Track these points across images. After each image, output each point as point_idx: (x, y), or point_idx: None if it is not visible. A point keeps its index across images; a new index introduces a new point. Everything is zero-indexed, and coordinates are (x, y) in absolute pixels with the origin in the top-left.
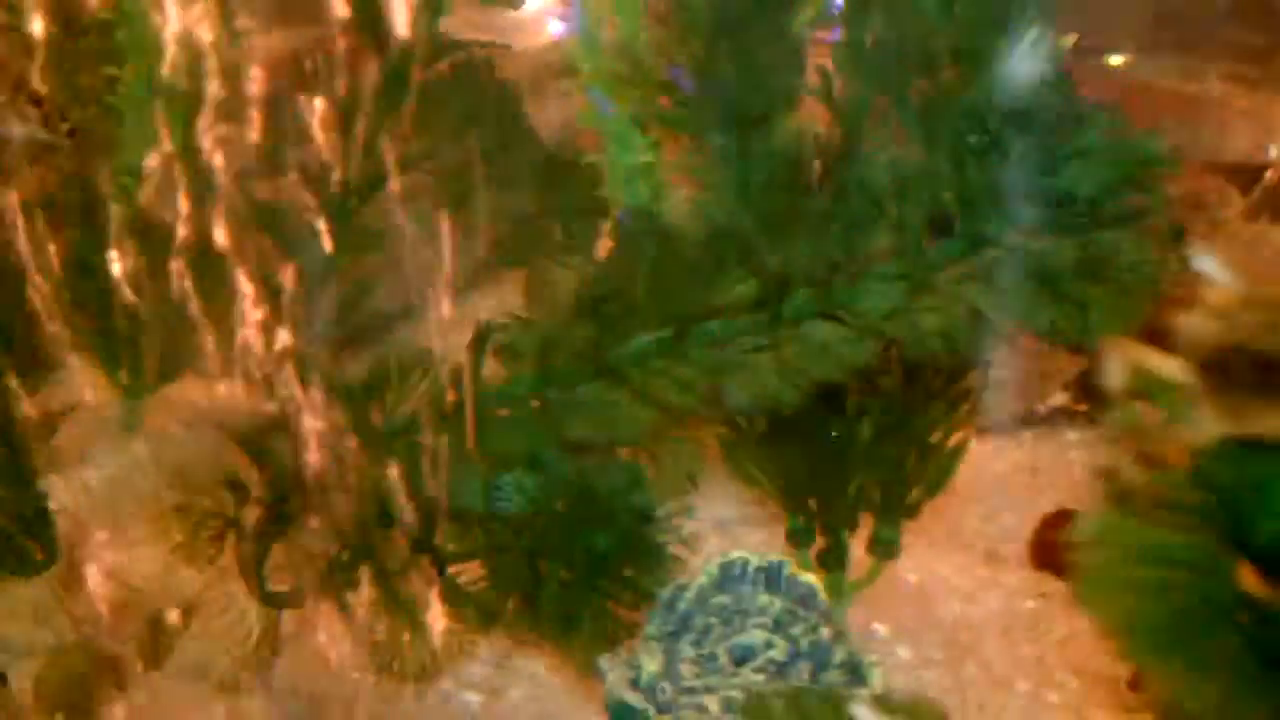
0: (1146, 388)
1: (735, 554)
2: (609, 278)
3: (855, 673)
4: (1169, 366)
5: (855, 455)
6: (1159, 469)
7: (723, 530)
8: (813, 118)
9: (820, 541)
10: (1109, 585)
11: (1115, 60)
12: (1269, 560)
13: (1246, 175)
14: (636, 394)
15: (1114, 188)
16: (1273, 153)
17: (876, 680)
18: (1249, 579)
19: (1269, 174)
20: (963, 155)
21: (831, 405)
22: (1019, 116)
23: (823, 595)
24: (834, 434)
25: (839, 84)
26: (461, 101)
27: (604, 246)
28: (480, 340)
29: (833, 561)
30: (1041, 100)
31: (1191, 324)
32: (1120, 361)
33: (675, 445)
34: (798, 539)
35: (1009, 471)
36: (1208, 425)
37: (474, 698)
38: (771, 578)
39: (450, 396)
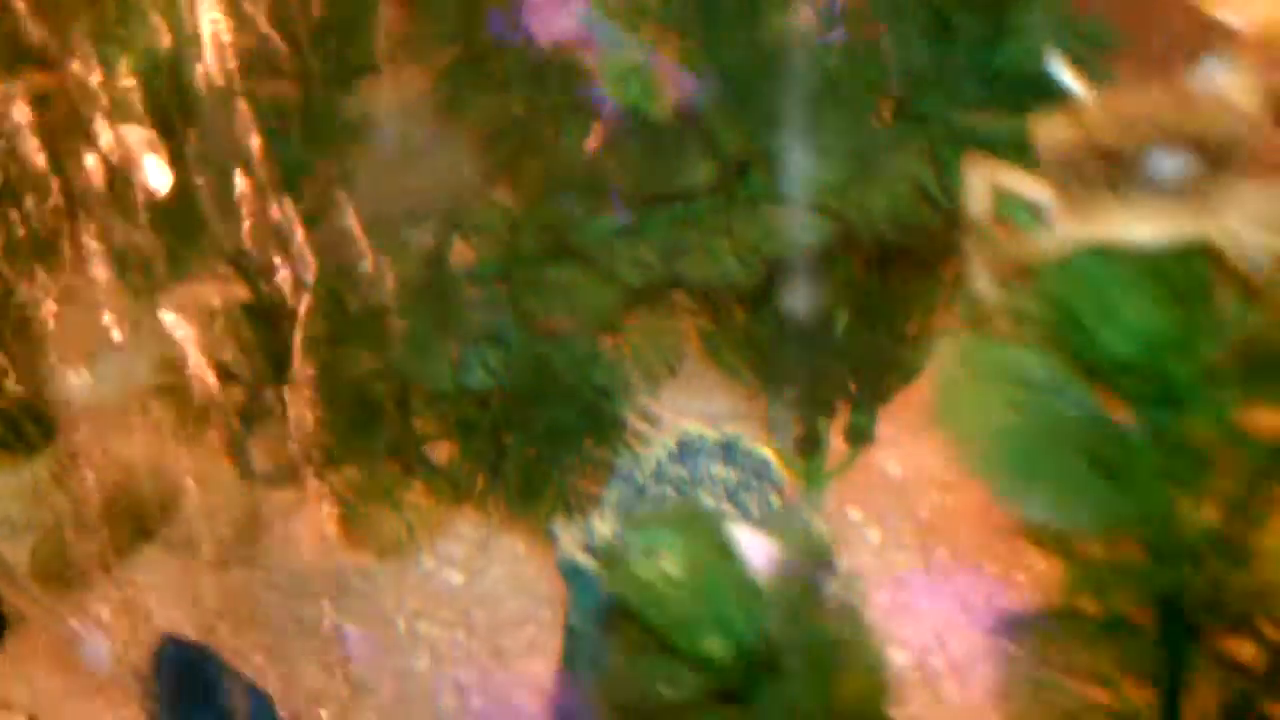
0: (1007, 205)
1: (693, 428)
2: (585, 166)
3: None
4: (1027, 181)
5: (831, 344)
6: (1014, 286)
7: (705, 422)
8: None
9: (798, 429)
10: (962, 405)
11: None
12: (1116, 371)
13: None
14: (599, 274)
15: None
16: None
17: (819, 546)
18: (1097, 394)
19: None
20: (910, 36)
21: (808, 295)
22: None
23: (776, 468)
24: (810, 323)
25: None
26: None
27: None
28: (450, 221)
29: (809, 448)
30: None
31: (1048, 127)
32: (980, 181)
33: (654, 332)
34: (776, 426)
35: None
36: (1060, 233)
37: (455, 576)
38: (727, 450)
39: (423, 278)
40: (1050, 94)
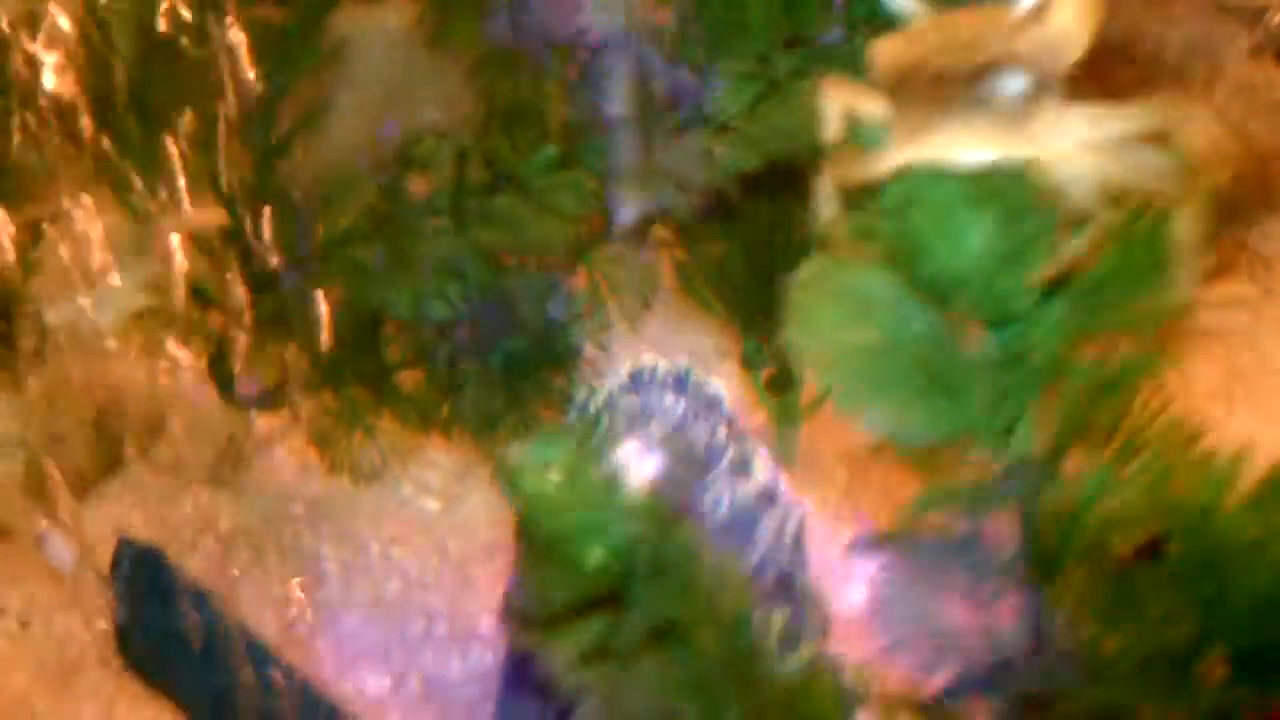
0: (854, 127)
1: (647, 360)
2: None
3: (744, 467)
4: (871, 101)
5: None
6: (860, 208)
7: (697, 362)
8: None
9: (772, 367)
10: (814, 322)
11: None
12: (954, 291)
13: (1252, 15)
14: (539, 205)
15: None
16: None
17: (760, 472)
18: (937, 312)
19: (1272, 15)
20: None
21: (787, 233)
22: None
23: (727, 400)
24: (783, 258)
25: None
26: None
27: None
28: (404, 154)
29: (782, 385)
30: None
31: (881, 48)
32: (832, 105)
33: (625, 264)
34: (751, 363)
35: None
36: (894, 150)
37: (433, 504)
38: (679, 383)
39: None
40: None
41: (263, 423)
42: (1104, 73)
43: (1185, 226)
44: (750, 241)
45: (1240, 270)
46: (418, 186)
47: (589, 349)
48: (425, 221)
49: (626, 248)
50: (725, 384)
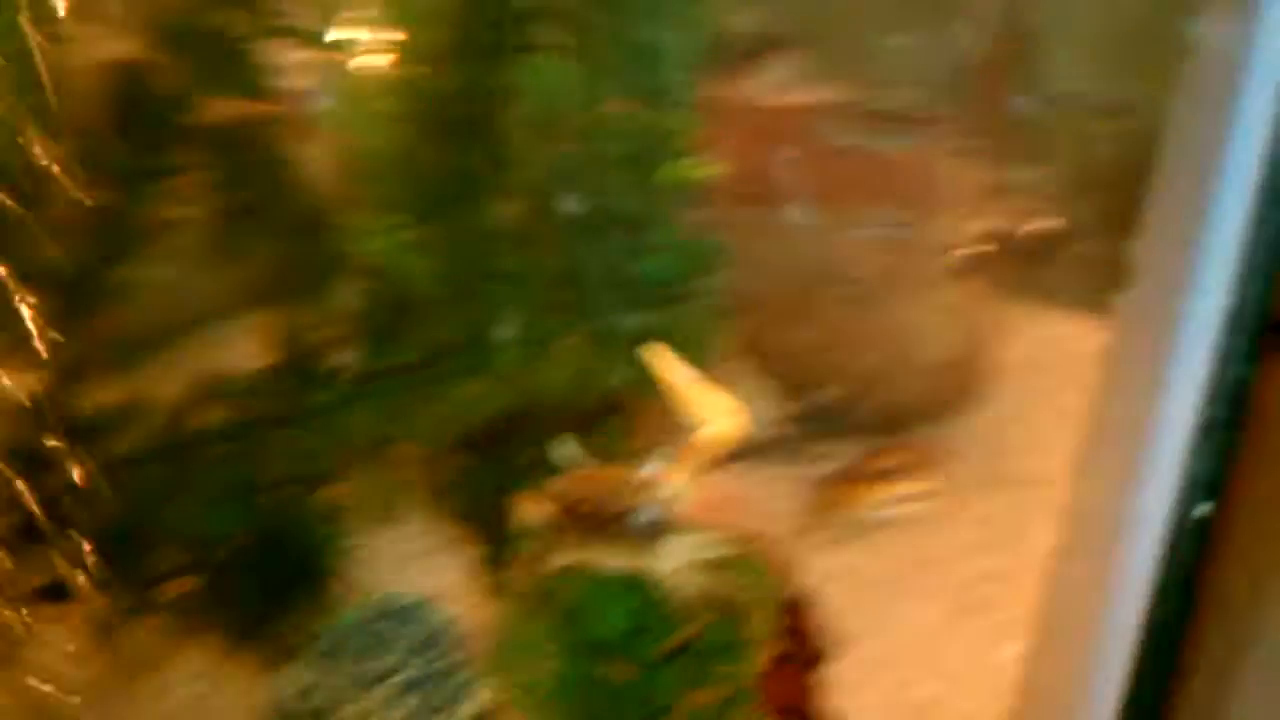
0: (535, 528)
1: (388, 591)
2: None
3: (456, 697)
4: (544, 513)
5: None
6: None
7: (431, 554)
8: None
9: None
10: (507, 660)
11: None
12: (604, 649)
13: (949, 247)
14: (328, 436)
15: (682, 276)
16: (974, 227)
17: (467, 705)
18: (594, 663)
19: (965, 246)
20: (575, 246)
21: (513, 448)
22: (615, 216)
23: (456, 631)
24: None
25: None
26: (231, 152)
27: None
28: (197, 389)
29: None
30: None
31: (556, 484)
32: (522, 510)
33: (378, 479)
34: (489, 564)
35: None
36: (565, 552)
37: (198, 688)
38: (415, 612)
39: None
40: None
41: (45, 613)
42: (818, 294)
43: (758, 621)
44: (485, 463)
45: (918, 469)
46: (213, 415)
47: (346, 573)
48: (208, 446)
49: (379, 469)
50: (455, 609)
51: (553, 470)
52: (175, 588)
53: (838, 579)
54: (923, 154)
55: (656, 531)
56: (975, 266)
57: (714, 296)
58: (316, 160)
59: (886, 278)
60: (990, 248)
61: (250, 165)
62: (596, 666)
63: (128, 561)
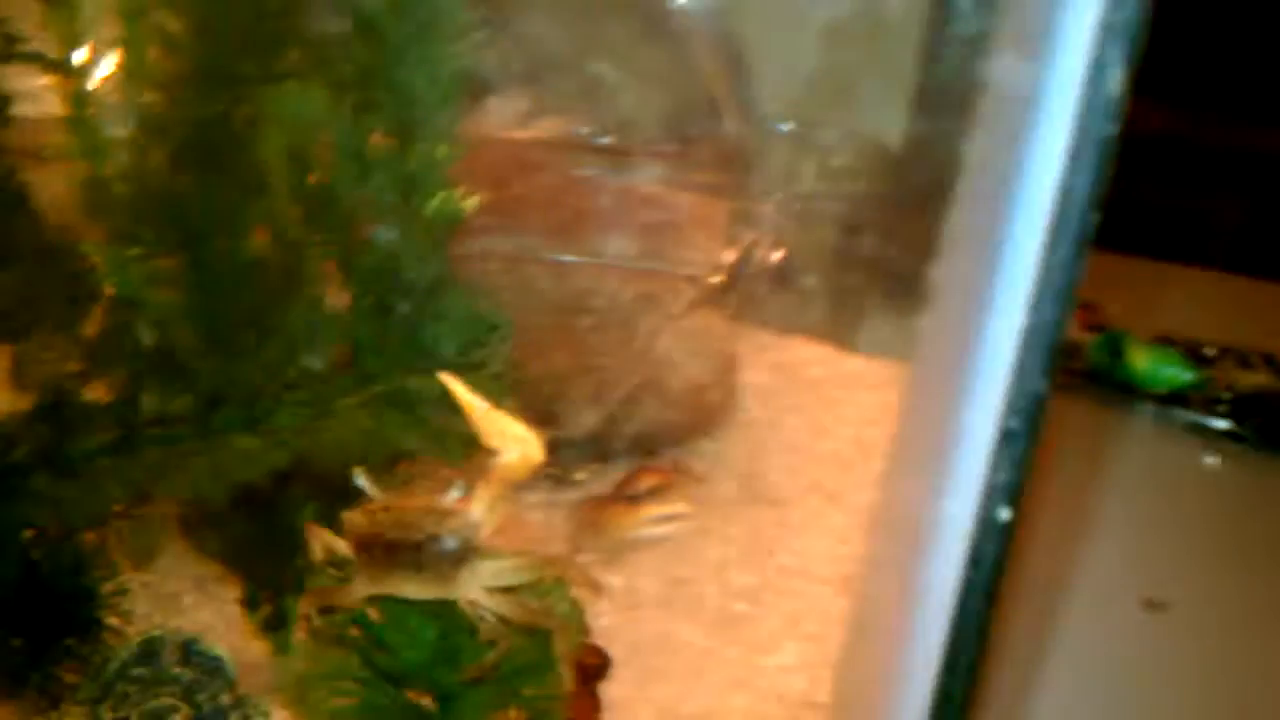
0: (331, 559)
1: (153, 631)
2: (82, 364)
3: None
4: (339, 544)
5: (296, 533)
6: (339, 613)
7: (200, 587)
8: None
9: (268, 605)
10: (309, 692)
11: (588, 163)
12: (409, 677)
13: (697, 276)
14: (87, 487)
15: (468, 345)
16: (717, 257)
17: None
18: (401, 691)
19: (708, 274)
20: (360, 311)
21: (277, 494)
22: (402, 285)
23: (230, 666)
24: (277, 516)
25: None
26: None
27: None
28: None
29: (278, 623)
30: (417, 273)
31: (351, 517)
32: (314, 541)
33: (136, 523)
34: (249, 604)
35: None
36: (363, 586)
37: None
38: (185, 651)
39: None
40: (462, 363)
41: None
42: (568, 325)
43: (562, 642)
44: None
45: (676, 488)
46: None
47: (110, 617)
48: None
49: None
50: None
51: (328, 511)
52: None
53: (604, 598)
54: (664, 186)
55: (458, 559)
56: (716, 295)
57: (497, 365)
58: (54, 189)
59: (633, 307)
60: (729, 277)
61: None
62: (401, 695)
63: None
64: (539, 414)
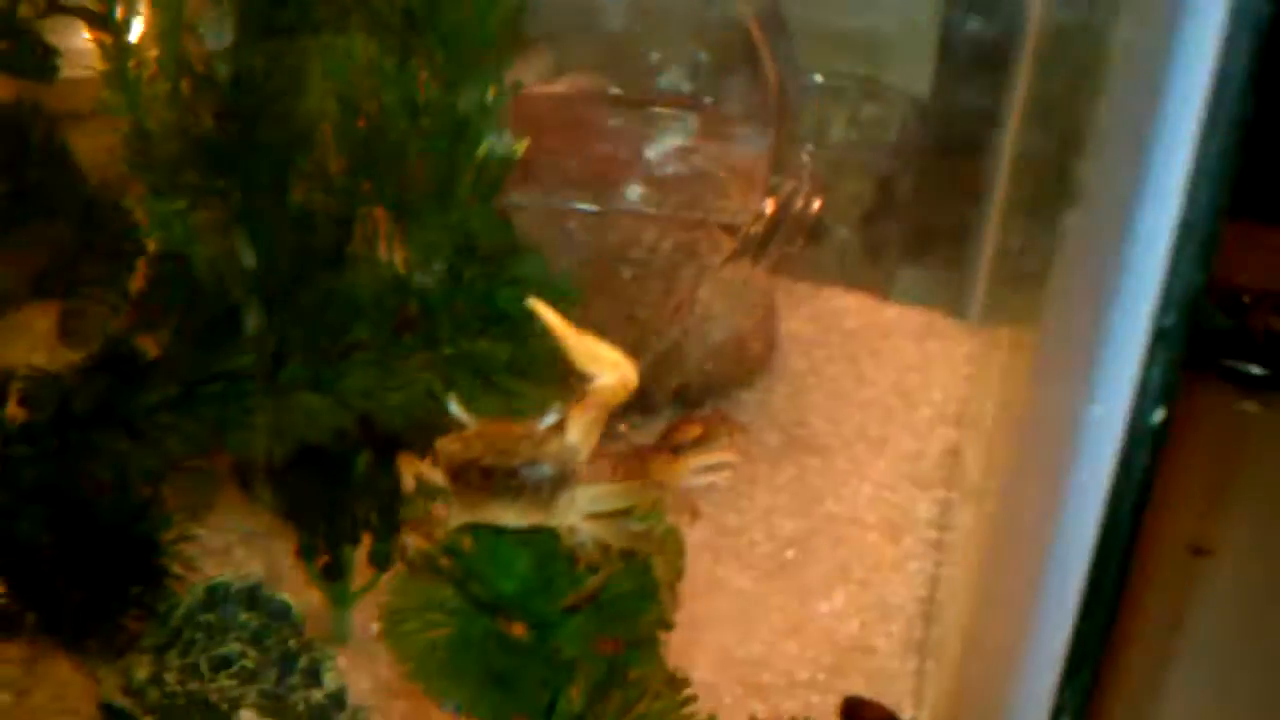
0: (424, 489)
1: (219, 577)
2: (133, 319)
3: (315, 676)
4: (433, 473)
5: (354, 484)
6: (433, 544)
7: (250, 541)
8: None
9: (325, 556)
10: (401, 624)
11: (625, 114)
12: (504, 606)
13: (735, 226)
14: (149, 442)
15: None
16: (755, 206)
17: (330, 681)
18: (494, 621)
19: (747, 225)
20: (426, 276)
21: (333, 443)
22: (470, 252)
23: (296, 611)
24: (334, 467)
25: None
26: (6, 136)
27: (138, 285)
28: (1, 389)
29: (335, 573)
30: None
31: (445, 444)
32: (406, 471)
33: (192, 476)
34: (305, 553)
35: None
36: (457, 514)
37: (3, 697)
38: (250, 597)
39: None
40: (532, 328)
41: None
42: (608, 273)
43: (661, 569)
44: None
45: (722, 438)
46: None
47: (173, 565)
48: (19, 446)
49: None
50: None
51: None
52: None
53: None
54: (700, 137)
55: (555, 485)
56: (756, 245)
57: None
58: (93, 146)
59: (673, 258)
60: (768, 227)
61: (28, 149)
62: (495, 625)
63: None
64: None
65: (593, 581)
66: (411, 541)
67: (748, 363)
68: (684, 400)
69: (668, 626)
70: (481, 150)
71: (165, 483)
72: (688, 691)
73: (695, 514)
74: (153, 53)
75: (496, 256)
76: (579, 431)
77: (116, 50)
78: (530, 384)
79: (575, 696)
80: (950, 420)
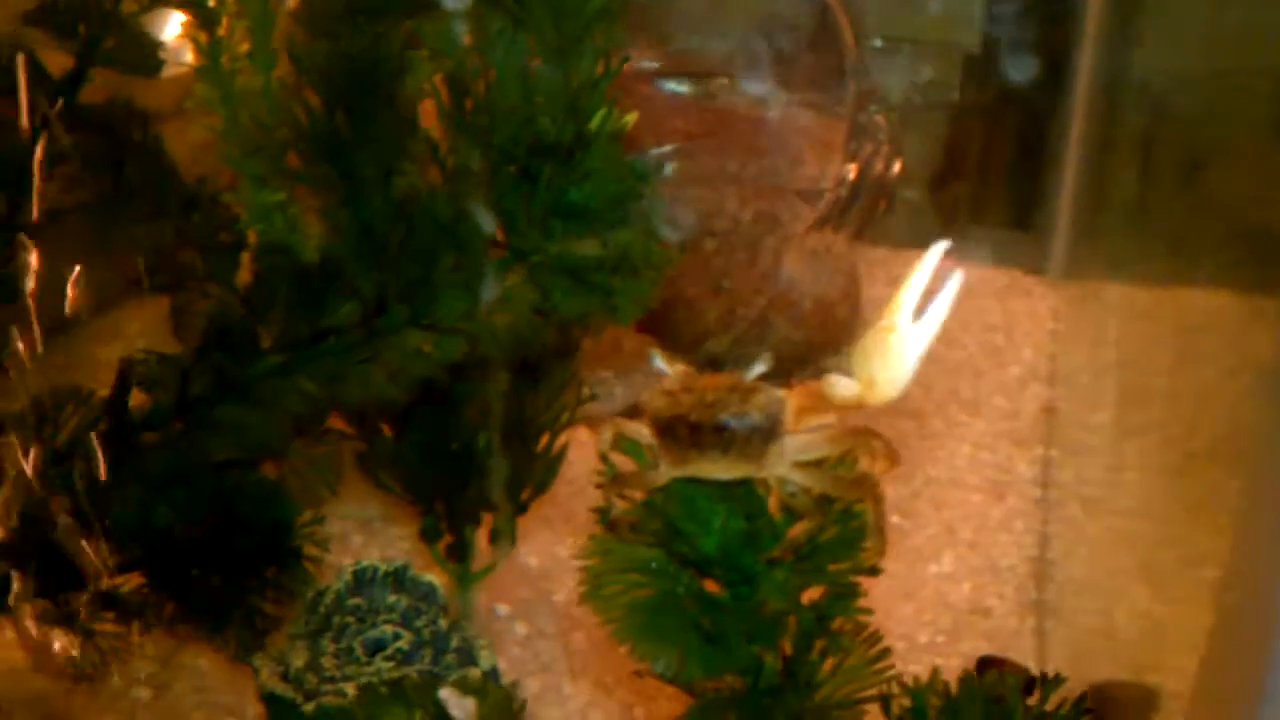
0: (625, 447)
1: (366, 561)
2: (241, 305)
3: (468, 655)
4: (638, 430)
5: (473, 463)
6: (635, 503)
7: (367, 528)
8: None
9: (448, 537)
10: (603, 586)
11: (695, 86)
12: (708, 563)
13: (815, 194)
14: (265, 409)
15: (618, 199)
16: (835, 173)
17: (484, 659)
18: (697, 579)
19: (828, 192)
20: (505, 184)
21: (451, 420)
22: (542, 149)
23: (441, 591)
24: (454, 445)
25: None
26: (105, 135)
27: (243, 278)
28: (124, 375)
29: (459, 554)
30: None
31: (651, 400)
32: (606, 430)
33: (314, 458)
34: (428, 536)
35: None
36: (663, 471)
37: (143, 693)
38: (397, 579)
39: (103, 425)
40: (620, 222)
41: None
42: (694, 245)
43: (869, 515)
44: (427, 430)
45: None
46: (139, 402)
47: (310, 548)
48: (146, 434)
49: (312, 440)
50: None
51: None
52: (125, 582)
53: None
54: (774, 103)
55: (766, 436)
56: (837, 211)
57: (651, 219)
58: (186, 142)
59: (755, 228)
60: (849, 192)
61: (130, 145)
62: (698, 583)
63: (75, 560)
64: (673, 340)
65: (797, 531)
66: (614, 502)
67: (834, 330)
68: (775, 369)
69: (876, 572)
70: (594, 123)
71: (290, 468)
72: (880, 646)
73: (895, 460)
74: (244, 46)
75: (566, 151)
76: (792, 406)
77: (210, 44)
78: (626, 279)
79: (782, 650)
80: (1042, 378)
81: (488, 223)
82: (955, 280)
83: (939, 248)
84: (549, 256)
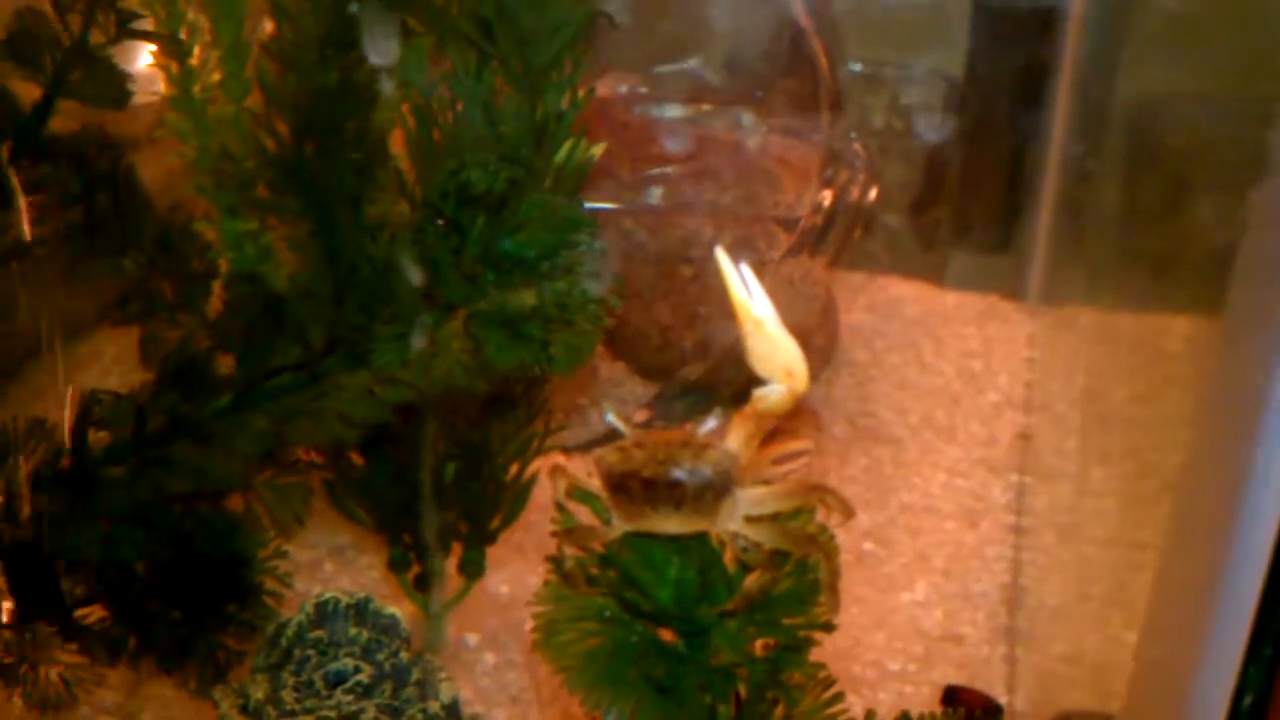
0: (578, 495)
1: (328, 594)
2: (207, 336)
3: (430, 688)
4: (592, 484)
5: (441, 493)
6: (588, 554)
7: (338, 555)
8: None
9: (416, 567)
10: (557, 634)
11: (673, 112)
12: (662, 614)
13: (791, 220)
14: (219, 447)
15: (553, 248)
16: (811, 199)
17: (445, 692)
18: (651, 629)
19: (804, 219)
20: (432, 236)
21: (419, 451)
22: (475, 200)
23: (404, 624)
24: (422, 477)
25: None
26: (76, 164)
27: (215, 306)
28: (85, 411)
29: (427, 584)
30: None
31: (604, 455)
32: (560, 482)
33: (282, 488)
34: (397, 565)
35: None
36: (616, 526)
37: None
38: (359, 612)
39: (64, 461)
40: (555, 271)
41: None
42: (670, 272)
43: (823, 571)
44: (394, 463)
45: (800, 426)
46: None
47: (270, 583)
48: (108, 470)
49: (281, 471)
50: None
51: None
52: (87, 617)
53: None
54: (751, 130)
55: (718, 492)
56: (813, 238)
57: (590, 266)
58: (155, 172)
59: (731, 254)
60: (825, 218)
61: (100, 177)
62: (652, 633)
63: (35, 593)
64: (646, 367)
65: (750, 584)
66: (568, 552)
67: (810, 356)
68: (750, 397)
69: (830, 628)
70: (560, 155)
71: (253, 497)
72: (833, 690)
73: (849, 513)
74: (216, 76)
75: (497, 203)
76: (739, 438)
77: (181, 74)
78: (562, 330)
79: (735, 702)
80: (1018, 404)
81: (414, 274)
82: (746, 270)
83: (720, 253)
84: (481, 308)
